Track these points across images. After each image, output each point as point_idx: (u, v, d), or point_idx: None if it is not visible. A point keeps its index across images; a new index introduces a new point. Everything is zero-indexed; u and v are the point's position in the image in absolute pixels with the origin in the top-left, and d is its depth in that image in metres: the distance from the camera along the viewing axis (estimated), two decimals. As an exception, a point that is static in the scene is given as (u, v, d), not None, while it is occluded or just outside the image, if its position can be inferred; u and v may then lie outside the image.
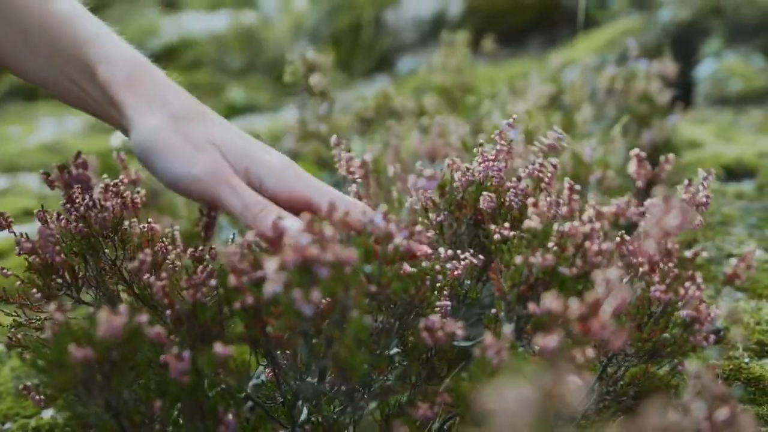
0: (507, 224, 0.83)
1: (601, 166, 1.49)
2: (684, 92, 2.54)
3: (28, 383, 1.03)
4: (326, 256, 0.62)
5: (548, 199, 0.78)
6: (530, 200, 0.75)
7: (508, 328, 0.59)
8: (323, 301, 0.66)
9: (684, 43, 2.84)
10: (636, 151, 0.77)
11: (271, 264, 0.62)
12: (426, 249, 0.76)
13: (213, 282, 0.75)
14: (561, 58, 2.74)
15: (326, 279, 0.63)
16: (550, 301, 0.54)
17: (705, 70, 2.70)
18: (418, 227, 0.75)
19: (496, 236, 0.81)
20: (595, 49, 2.93)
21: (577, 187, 0.76)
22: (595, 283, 0.54)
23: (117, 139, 2.24)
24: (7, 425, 1.01)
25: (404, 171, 1.33)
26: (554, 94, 2.15)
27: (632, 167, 0.78)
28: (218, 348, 0.68)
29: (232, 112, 3.27)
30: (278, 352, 0.77)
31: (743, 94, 2.53)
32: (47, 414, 1.02)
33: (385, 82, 3.42)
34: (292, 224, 0.70)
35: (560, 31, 3.67)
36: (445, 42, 2.71)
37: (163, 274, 0.77)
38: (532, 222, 0.75)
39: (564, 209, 0.75)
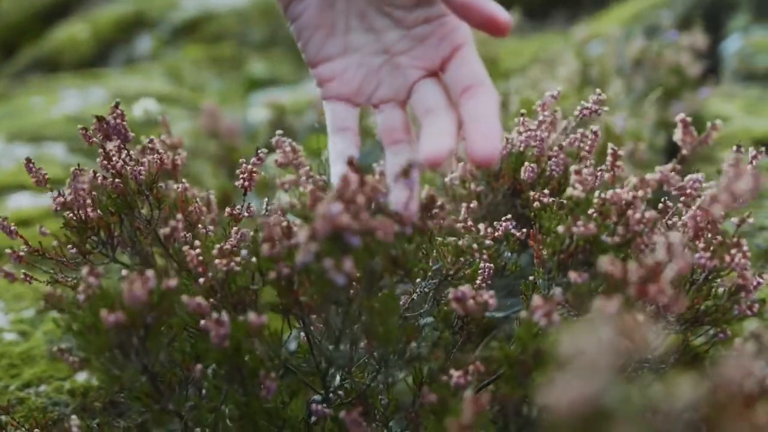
0: (546, 191, 0.83)
1: (633, 138, 1.47)
2: (711, 68, 2.51)
3: (62, 346, 1.05)
4: (358, 224, 0.61)
5: (590, 166, 0.77)
6: (573, 168, 0.74)
7: (557, 290, 0.58)
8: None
9: (711, 18, 2.80)
10: (682, 115, 0.75)
11: (301, 233, 0.61)
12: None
13: (244, 252, 0.74)
14: (586, 32, 2.71)
15: (358, 248, 0.62)
16: (608, 263, 0.53)
17: (732, 45, 2.66)
18: (439, 201, 0.74)
19: (536, 204, 0.80)
20: (621, 23, 2.89)
21: (621, 153, 0.75)
22: (654, 247, 0.53)
23: (139, 109, 2.23)
24: (42, 387, 1.02)
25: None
26: (581, 67, 2.13)
27: (678, 134, 0.77)
28: (252, 317, 0.67)
29: (253, 85, 3.26)
30: (311, 320, 0.77)
31: (772, 70, 2.48)
32: (81, 377, 1.03)
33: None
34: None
35: (585, 5, 3.62)
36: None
37: (196, 242, 0.77)
38: (575, 190, 0.74)
39: (607, 176, 0.74)
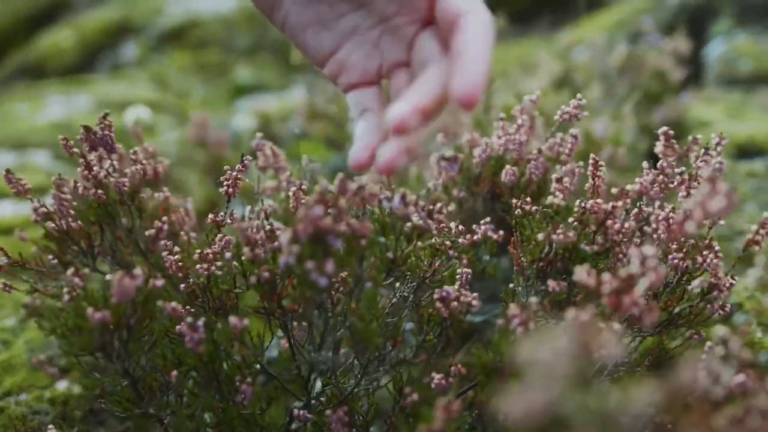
0: (528, 199, 0.83)
1: (613, 143, 1.48)
2: (693, 72, 2.52)
3: (42, 357, 1.04)
4: (340, 227, 0.61)
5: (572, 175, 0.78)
6: (554, 176, 0.75)
7: (533, 300, 0.59)
8: (339, 273, 0.66)
9: (694, 23, 2.82)
10: (664, 129, 0.76)
11: (284, 236, 0.62)
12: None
13: (228, 255, 0.75)
14: (570, 38, 2.72)
15: (340, 251, 0.63)
16: (583, 274, 0.54)
17: (715, 50, 2.68)
18: (438, 204, 0.75)
19: (517, 211, 0.81)
20: (605, 29, 2.91)
21: (602, 163, 0.76)
22: (630, 259, 0.53)
23: (131, 117, 2.23)
24: (23, 396, 1.02)
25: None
26: (564, 72, 2.14)
27: (659, 147, 0.78)
28: (233, 320, 0.68)
29: (239, 91, 3.26)
30: (294, 324, 0.78)
31: (754, 75, 2.50)
32: (61, 385, 1.03)
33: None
34: None
35: (569, 11, 3.64)
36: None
37: (176, 248, 0.77)
38: (556, 198, 0.75)
39: (587, 185, 0.75)
